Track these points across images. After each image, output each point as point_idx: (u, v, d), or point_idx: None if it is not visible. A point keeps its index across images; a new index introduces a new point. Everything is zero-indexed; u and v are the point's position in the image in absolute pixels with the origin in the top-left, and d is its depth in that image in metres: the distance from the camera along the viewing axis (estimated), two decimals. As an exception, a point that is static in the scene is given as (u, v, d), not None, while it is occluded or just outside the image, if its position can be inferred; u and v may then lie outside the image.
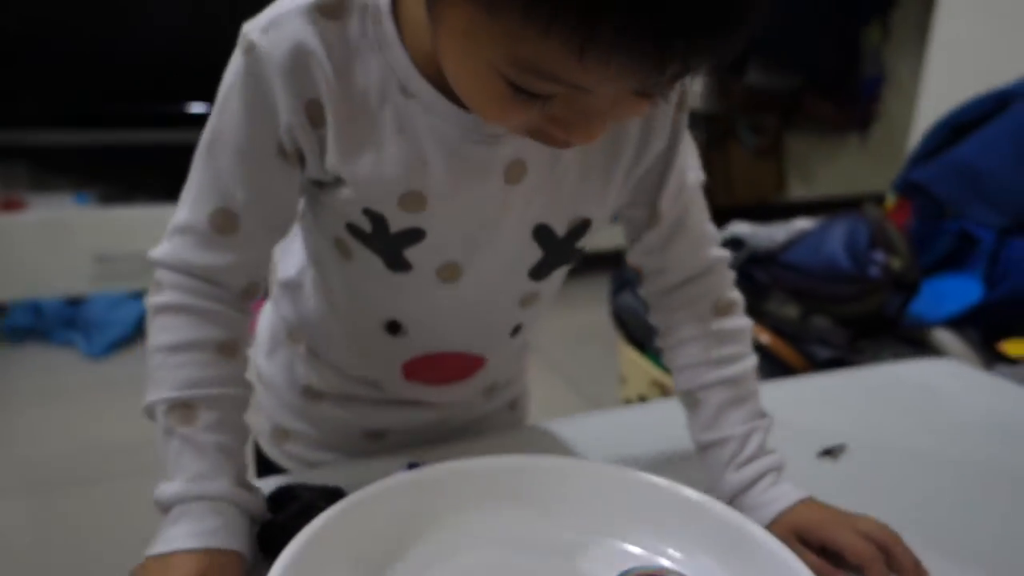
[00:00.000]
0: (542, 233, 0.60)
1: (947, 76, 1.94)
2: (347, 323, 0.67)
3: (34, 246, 2.28)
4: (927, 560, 0.56)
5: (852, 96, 3.35)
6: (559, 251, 0.62)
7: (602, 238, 0.67)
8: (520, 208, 0.58)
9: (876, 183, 2.94)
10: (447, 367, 0.68)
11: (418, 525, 0.54)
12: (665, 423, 0.73)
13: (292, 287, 0.70)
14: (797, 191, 3.72)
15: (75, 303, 2.34)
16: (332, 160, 0.53)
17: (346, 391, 0.72)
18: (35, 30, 2.28)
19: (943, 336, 1.33)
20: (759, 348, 1.31)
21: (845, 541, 0.56)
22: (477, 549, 0.54)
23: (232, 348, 0.56)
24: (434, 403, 0.72)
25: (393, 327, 0.65)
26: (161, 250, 0.56)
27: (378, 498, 0.53)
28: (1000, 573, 0.59)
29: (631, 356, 1.53)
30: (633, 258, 0.67)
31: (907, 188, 1.54)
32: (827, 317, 1.30)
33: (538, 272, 0.62)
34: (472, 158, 0.54)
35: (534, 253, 0.61)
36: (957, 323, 1.35)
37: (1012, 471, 0.73)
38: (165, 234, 0.57)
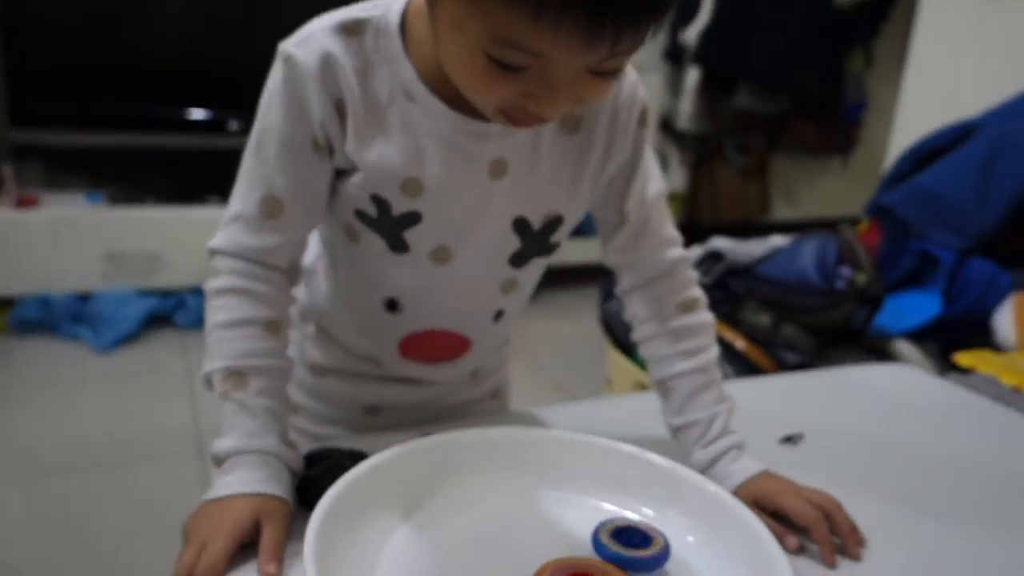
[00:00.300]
0: (520, 225, 0.71)
1: (920, 106, 2.05)
2: (352, 302, 0.78)
3: (46, 242, 2.34)
4: (865, 528, 0.66)
5: (835, 121, 3.45)
6: (535, 242, 0.72)
7: (593, 252, 0.77)
8: (501, 201, 0.68)
9: (856, 205, 3.05)
10: (438, 346, 0.78)
11: (430, 482, 0.64)
12: (642, 413, 0.82)
13: (307, 273, 0.80)
14: (781, 212, 3.81)
15: (83, 298, 2.40)
16: (350, 148, 0.64)
17: (349, 368, 0.82)
18: (52, 35, 2.36)
19: (904, 347, 1.44)
20: (734, 353, 1.42)
21: (793, 506, 0.65)
22: (478, 504, 0.64)
23: (277, 326, 0.65)
24: (426, 381, 0.82)
25: (392, 304, 0.75)
26: (217, 239, 0.66)
27: (398, 458, 0.63)
28: (926, 541, 0.68)
29: (617, 359, 1.63)
30: (607, 257, 0.77)
31: (876, 211, 1.65)
32: (797, 326, 1.41)
33: (517, 260, 0.73)
34: (461, 152, 0.65)
35: (513, 243, 0.72)
36: (917, 335, 1.46)
37: (946, 458, 0.83)
38: (219, 226, 0.67)
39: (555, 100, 0.55)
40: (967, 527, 0.70)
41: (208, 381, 0.64)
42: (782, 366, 1.37)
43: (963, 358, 1.23)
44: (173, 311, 2.48)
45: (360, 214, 0.69)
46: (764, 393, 0.97)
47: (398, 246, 0.70)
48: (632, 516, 0.63)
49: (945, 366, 1.32)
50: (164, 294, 2.49)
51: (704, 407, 0.73)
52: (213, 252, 0.66)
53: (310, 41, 0.63)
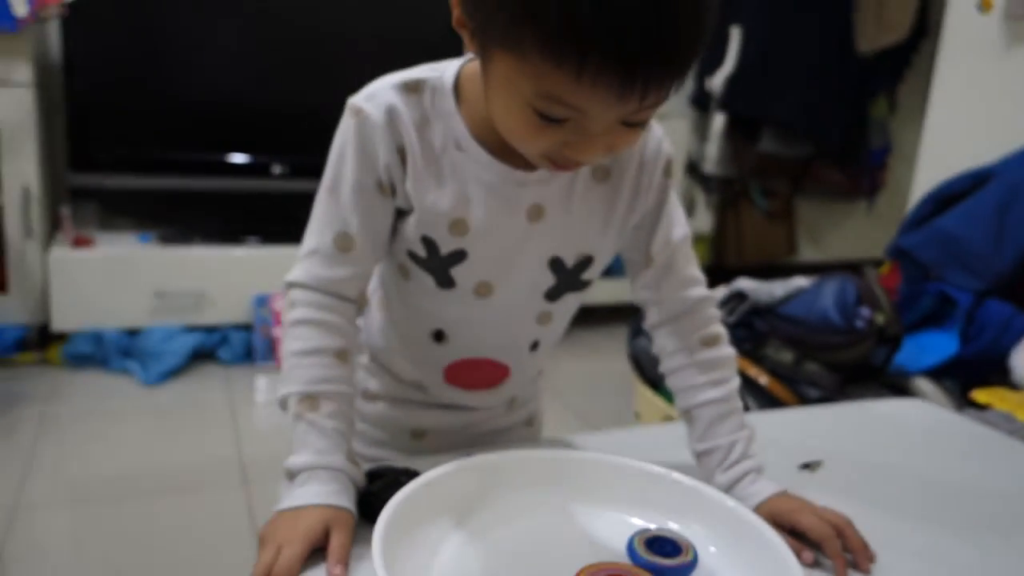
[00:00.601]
0: (555, 264, 0.79)
1: (941, 151, 2.10)
2: (403, 334, 0.86)
3: (99, 280, 2.45)
4: (876, 546, 0.71)
5: (860, 165, 3.49)
6: (568, 279, 0.81)
7: (620, 292, 0.85)
8: (538, 242, 0.77)
9: (881, 247, 3.08)
10: (479, 373, 0.87)
11: (477, 497, 0.70)
12: (668, 441, 0.88)
13: (374, 297, 0.89)
14: (807, 254, 3.85)
15: (132, 334, 2.50)
16: (408, 189, 0.74)
17: (398, 395, 0.90)
18: (108, 86, 2.51)
19: (922, 384, 1.49)
20: (758, 388, 1.48)
21: (808, 523, 0.71)
22: (520, 517, 0.70)
23: (346, 355, 0.74)
24: (467, 406, 0.90)
25: (439, 335, 0.83)
26: (294, 273, 0.75)
27: (449, 475, 0.70)
28: (935, 560, 0.73)
29: (645, 394, 1.69)
30: (635, 294, 0.85)
31: (896, 253, 1.70)
32: (818, 363, 1.46)
33: (551, 295, 0.81)
34: (503, 198, 0.74)
35: (548, 279, 0.80)
36: (936, 374, 1.51)
37: (958, 486, 0.88)
38: (296, 262, 0.76)
39: (591, 148, 0.64)
40: (976, 548, 0.75)
41: (284, 403, 0.72)
42: (804, 401, 1.42)
43: (980, 395, 1.28)
44: (217, 347, 2.58)
45: (412, 255, 0.78)
46: (785, 423, 1.03)
47: (445, 282, 0.79)
48: (664, 527, 0.69)
49: (963, 403, 1.36)
50: (208, 330, 2.59)
51: (725, 434, 0.79)
52: (291, 285, 0.75)
53: (377, 96, 0.73)
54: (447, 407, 0.91)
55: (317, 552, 0.65)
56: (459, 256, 0.77)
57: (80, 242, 2.50)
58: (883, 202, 3.64)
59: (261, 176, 2.71)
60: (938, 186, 1.76)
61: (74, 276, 2.44)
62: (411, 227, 0.76)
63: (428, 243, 0.76)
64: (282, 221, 2.70)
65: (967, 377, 1.50)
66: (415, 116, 0.73)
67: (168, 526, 1.73)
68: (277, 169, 2.71)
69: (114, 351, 2.45)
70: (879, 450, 0.96)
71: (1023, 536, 0.79)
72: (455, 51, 0.75)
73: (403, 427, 0.92)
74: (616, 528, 0.70)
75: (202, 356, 2.57)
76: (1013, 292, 1.58)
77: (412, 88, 0.73)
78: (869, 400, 1.15)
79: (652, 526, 0.69)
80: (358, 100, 0.74)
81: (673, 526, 0.70)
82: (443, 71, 0.74)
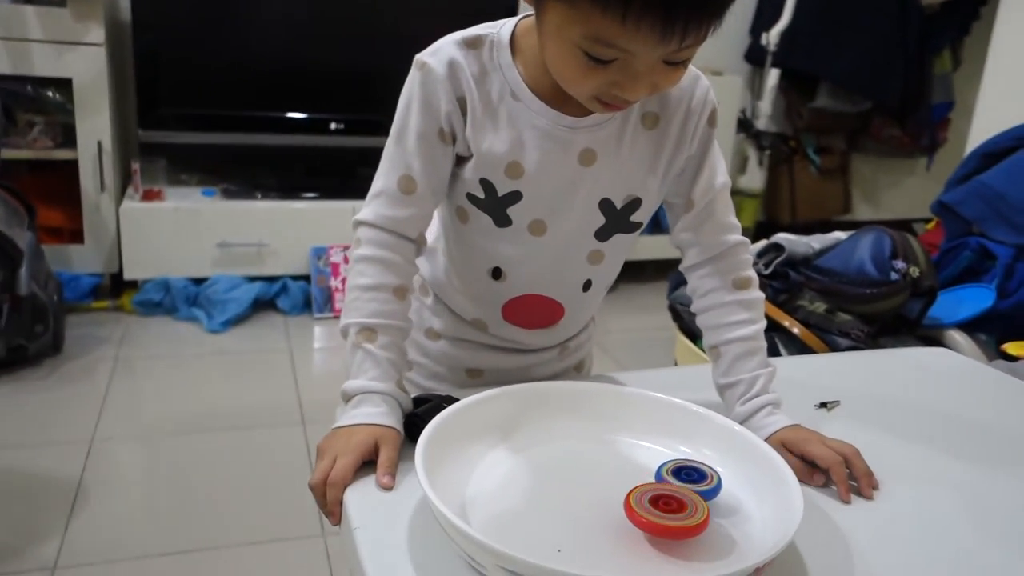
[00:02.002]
0: (605, 204, 0.84)
1: (998, 106, 2.07)
2: (464, 273, 0.92)
3: (167, 232, 2.59)
4: (883, 478, 0.76)
5: (920, 121, 3.42)
6: (617, 219, 0.86)
7: (670, 248, 0.90)
8: (589, 184, 0.83)
9: (937, 206, 3.04)
10: (536, 311, 0.92)
11: (513, 421, 0.77)
12: (700, 379, 0.93)
13: (429, 252, 0.95)
14: (863, 212, 3.80)
15: (198, 283, 2.63)
16: (468, 136, 0.80)
17: (459, 334, 0.96)
18: (174, 48, 2.61)
19: (956, 336, 1.50)
20: (791, 337, 1.51)
21: (817, 452, 0.76)
22: (552, 442, 0.77)
23: (403, 291, 0.81)
24: (523, 348, 0.96)
25: (496, 273, 0.89)
26: (363, 212, 0.82)
27: (487, 400, 0.77)
28: (935, 489, 0.78)
29: (685, 344, 1.74)
30: (674, 237, 0.90)
31: (940, 209, 1.70)
32: (852, 314, 1.49)
33: (601, 234, 0.87)
34: (556, 142, 0.80)
35: (599, 219, 0.85)
36: (971, 327, 1.52)
37: (970, 427, 0.91)
38: (365, 201, 0.83)
39: (637, 86, 0.69)
40: (977, 480, 0.79)
41: (345, 331, 0.79)
42: (836, 351, 1.45)
43: (1011, 347, 1.30)
44: (277, 296, 2.70)
45: (471, 197, 0.84)
46: (810, 367, 1.07)
47: (502, 221, 0.85)
48: (679, 452, 0.76)
49: (995, 355, 1.38)
50: (269, 280, 2.71)
51: (748, 370, 0.84)
52: (358, 223, 0.82)
53: (440, 52, 0.79)
54: (504, 349, 0.97)
55: (367, 465, 0.73)
56: (515, 197, 0.82)
57: (149, 196, 2.63)
58: (943, 159, 3.55)
59: (319, 132, 2.79)
60: (984, 142, 1.75)
61: (144, 228, 2.58)
62: (470, 171, 0.82)
63: (486, 185, 0.82)
64: (339, 176, 2.79)
65: (1003, 330, 1.52)
66: (475, 69, 0.78)
67: (232, 460, 1.86)
68: (334, 125, 2.79)
69: (181, 299, 2.59)
70: (896, 393, 0.99)
71: (1029, 472, 0.83)
72: (506, 11, 0.81)
73: (461, 365, 0.98)
74: (637, 451, 0.76)
75: (263, 305, 2.69)
76: (1055, 247, 1.58)
77: (472, 43, 0.79)
78: (896, 348, 1.18)
79: (676, 455, 0.75)
80: (423, 55, 0.79)
81: (685, 449, 0.76)
82: (500, 27, 0.81)
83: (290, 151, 2.81)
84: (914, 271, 1.48)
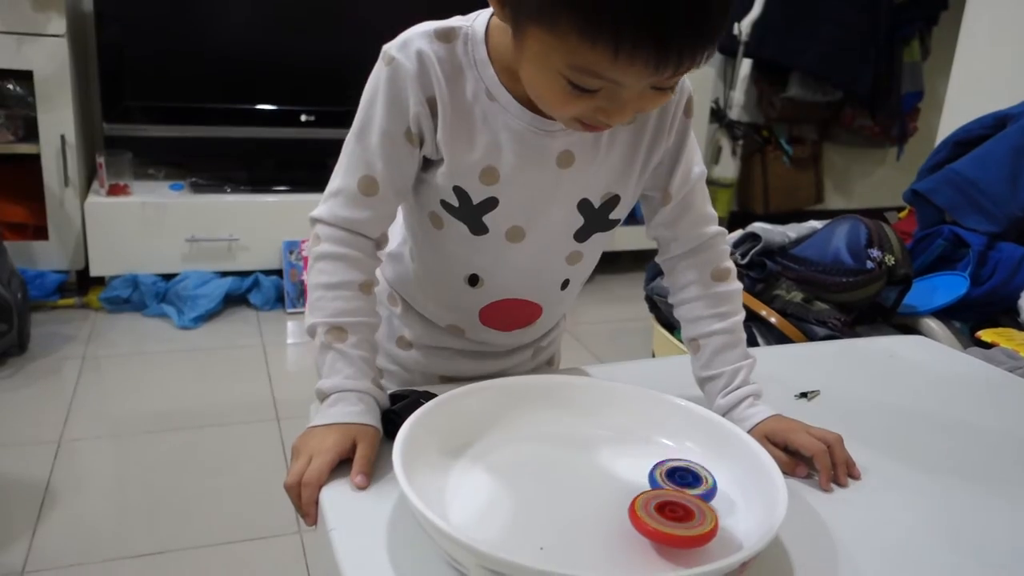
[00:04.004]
0: (583, 205, 0.82)
1: (968, 96, 2.08)
2: (438, 281, 0.89)
3: (134, 227, 2.54)
4: (864, 464, 0.76)
5: (890, 111, 3.44)
6: (596, 219, 0.84)
7: (641, 240, 0.88)
8: (568, 186, 0.80)
9: (907, 195, 3.07)
10: (513, 313, 0.91)
11: (496, 417, 0.76)
12: (678, 371, 0.92)
13: (394, 258, 0.93)
14: (834, 202, 3.83)
15: (168, 279, 2.59)
16: (440, 139, 0.76)
17: (433, 342, 0.94)
18: (139, 40, 2.55)
19: (931, 324, 1.52)
20: (768, 326, 1.51)
21: (801, 441, 0.76)
22: (533, 438, 0.76)
23: (368, 287, 0.79)
24: (498, 352, 0.94)
25: (473, 280, 0.87)
26: (319, 210, 0.79)
27: (463, 395, 0.75)
28: (915, 478, 0.78)
29: (662, 334, 1.74)
30: (650, 231, 0.89)
31: (912, 197, 1.71)
32: (828, 303, 1.49)
33: (580, 235, 0.85)
34: (533, 146, 0.77)
35: (578, 220, 0.83)
36: (947, 314, 1.54)
37: (950, 416, 0.91)
38: (322, 199, 0.79)
39: (623, 112, 0.66)
40: (956, 471, 0.79)
41: (312, 331, 0.77)
42: (813, 340, 1.46)
43: (986, 334, 1.31)
44: (248, 291, 2.66)
45: (445, 204, 0.81)
46: (788, 357, 1.07)
47: (478, 229, 0.82)
48: (671, 449, 0.75)
49: (970, 343, 1.39)
50: (240, 275, 2.67)
51: (729, 362, 0.83)
52: (315, 220, 0.79)
53: (410, 45, 0.74)
54: (480, 353, 0.95)
55: (344, 464, 0.71)
56: (491, 204, 0.79)
57: (115, 190, 2.58)
58: (913, 149, 3.59)
59: (289, 124, 2.75)
60: (956, 131, 1.76)
61: (110, 223, 2.53)
62: (443, 177, 0.78)
63: (460, 193, 0.79)
64: (310, 168, 2.75)
65: (977, 318, 1.53)
66: (447, 67, 0.73)
67: (205, 458, 1.82)
68: (304, 117, 2.75)
69: (150, 295, 2.54)
70: (876, 381, 1.00)
71: (1000, 464, 0.83)
72: (482, 2, 0.77)
73: (436, 372, 0.96)
74: (620, 446, 0.75)
75: (234, 300, 2.66)
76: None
77: (445, 36, 0.74)
78: (872, 337, 1.18)
79: (660, 451, 0.74)
80: (392, 48, 0.74)
81: (668, 443, 0.75)
82: (474, 18, 0.76)
83: (260, 144, 2.77)
84: (889, 259, 1.48)
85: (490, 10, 0.76)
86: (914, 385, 1.00)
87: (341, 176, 0.79)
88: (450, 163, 0.77)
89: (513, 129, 0.76)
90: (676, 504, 0.61)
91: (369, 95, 0.77)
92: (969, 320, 1.55)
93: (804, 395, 0.93)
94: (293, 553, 1.52)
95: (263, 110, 2.73)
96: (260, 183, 2.73)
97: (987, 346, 1.28)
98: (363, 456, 0.70)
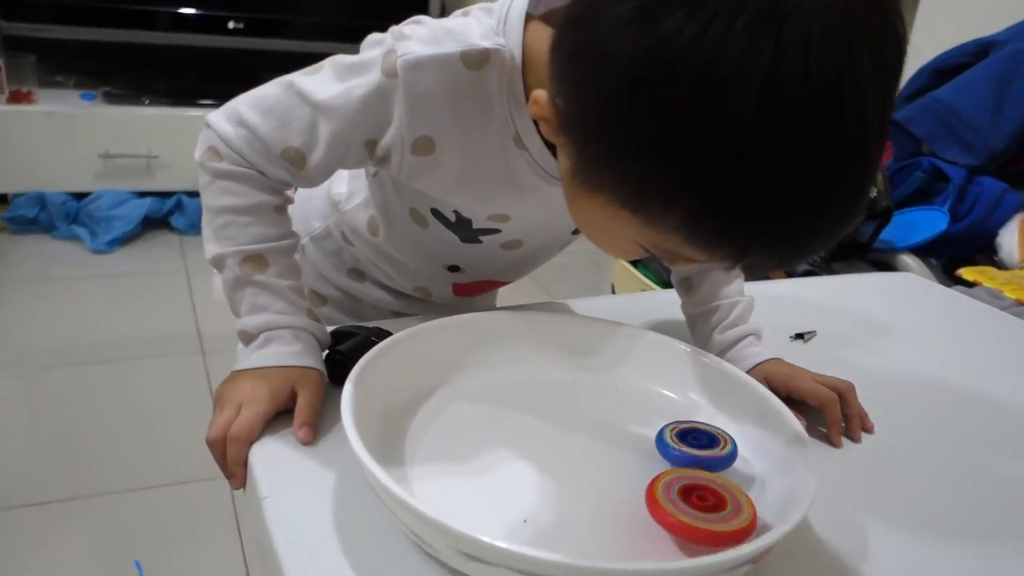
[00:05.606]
0: None
1: (936, 26, 2.01)
2: (412, 263, 0.79)
3: (40, 139, 2.34)
4: (874, 416, 0.67)
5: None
6: None
7: None
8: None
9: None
10: (489, 286, 0.85)
11: (465, 360, 0.64)
12: (649, 310, 0.84)
13: (352, 222, 0.79)
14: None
15: (79, 198, 2.40)
16: (426, 188, 0.64)
17: (398, 308, 0.85)
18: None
19: (908, 260, 1.46)
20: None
21: (808, 388, 0.67)
22: (510, 384, 0.64)
23: (284, 207, 0.64)
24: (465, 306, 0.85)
25: (454, 268, 0.79)
26: (227, 129, 0.61)
27: (426, 333, 0.63)
28: (918, 423, 0.70)
29: (625, 268, 1.64)
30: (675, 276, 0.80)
31: (889, 126, 1.63)
32: (806, 237, 1.41)
33: (577, 231, 0.75)
34: (554, 196, 0.60)
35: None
36: (923, 250, 1.48)
37: (940, 357, 0.85)
38: (232, 112, 0.62)
39: (684, 265, 0.55)
40: (969, 423, 0.72)
41: (219, 262, 0.63)
42: (790, 276, 1.38)
43: (967, 272, 1.24)
44: (170, 213, 2.48)
45: (436, 213, 0.70)
46: (773, 295, 0.97)
47: (471, 240, 0.73)
48: (672, 400, 0.64)
49: (949, 281, 1.34)
50: (161, 196, 2.49)
51: (727, 295, 0.74)
52: (217, 135, 0.62)
53: (424, 69, 0.56)
54: (446, 306, 0.86)
55: (279, 416, 0.59)
56: (492, 231, 0.71)
57: (18, 97, 2.37)
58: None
59: (216, 32, 2.55)
60: (934, 58, 1.68)
61: (13, 135, 2.32)
62: (439, 201, 0.67)
63: (461, 217, 0.69)
64: (238, 81, 2.53)
65: (951, 254, 1.48)
66: (467, 106, 0.58)
67: (123, 395, 1.69)
68: (232, 24, 2.55)
69: (60, 216, 2.37)
70: (871, 321, 0.92)
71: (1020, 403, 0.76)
72: None
73: (389, 309, 0.86)
74: (613, 395, 0.64)
75: (155, 223, 2.48)
76: (1005, 170, 1.54)
77: (476, 63, 0.57)
78: (858, 274, 1.11)
79: (658, 401, 0.64)
80: (404, 62, 0.56)
81: (669, 394, 0.65)
82: (505, 25, 0.58)
83: (182, 52, 2.58)
84: (871, 191, 1.40)
85: (521, 10, 0.58)
86: (911, 323, 0.93)
87: (271, 123, 0.61)
88: (449, 203, 0.68)
89: (536, 180, 0.63)
90: (704, 489, 0.49)
91: (348, 84, 0.59)
92: (943, 257, 1.49)
93: (800, 336, 0.84)
94: (221, 501, 1.40)
95: (187, 14, 2.52)
96: (183, 95, 2.53)
97: (968, 284, 1.22)
98: (307, 403, 0.58)
